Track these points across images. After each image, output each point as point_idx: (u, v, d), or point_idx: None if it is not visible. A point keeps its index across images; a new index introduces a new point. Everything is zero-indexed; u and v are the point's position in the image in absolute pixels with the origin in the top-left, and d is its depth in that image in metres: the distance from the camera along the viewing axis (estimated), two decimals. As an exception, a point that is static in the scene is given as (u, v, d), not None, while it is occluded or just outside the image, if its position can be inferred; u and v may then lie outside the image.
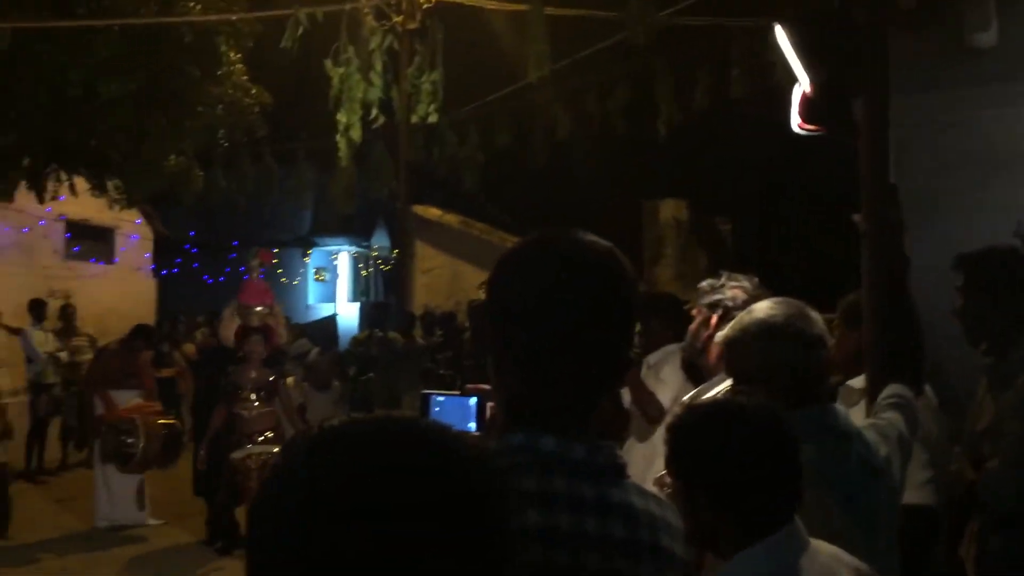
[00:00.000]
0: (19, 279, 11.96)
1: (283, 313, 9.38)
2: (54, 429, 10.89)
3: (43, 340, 10.58)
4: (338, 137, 6.67)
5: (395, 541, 0.78)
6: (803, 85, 3.28)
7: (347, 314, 20.16)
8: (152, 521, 8.12)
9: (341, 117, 6.28)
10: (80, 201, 10.41)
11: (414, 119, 6.44)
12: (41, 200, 9.01)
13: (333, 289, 21.96)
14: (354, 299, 22.05)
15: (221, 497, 6.65)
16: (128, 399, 7.78)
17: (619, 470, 1.35)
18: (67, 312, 11.33)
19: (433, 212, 15.56)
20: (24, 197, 9.48)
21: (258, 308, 6.96)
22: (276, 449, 6.31)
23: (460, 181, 8.59)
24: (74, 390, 11.09)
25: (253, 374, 6.59)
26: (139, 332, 8.71)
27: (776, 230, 15.85)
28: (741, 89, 9.73)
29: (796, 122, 3.42)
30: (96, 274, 13.81)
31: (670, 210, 12.81)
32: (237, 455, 6.39)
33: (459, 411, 1.76)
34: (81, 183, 9.31)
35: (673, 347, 4.35)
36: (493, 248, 15.02)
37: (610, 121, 8.96)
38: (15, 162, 8.48)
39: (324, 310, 19.92)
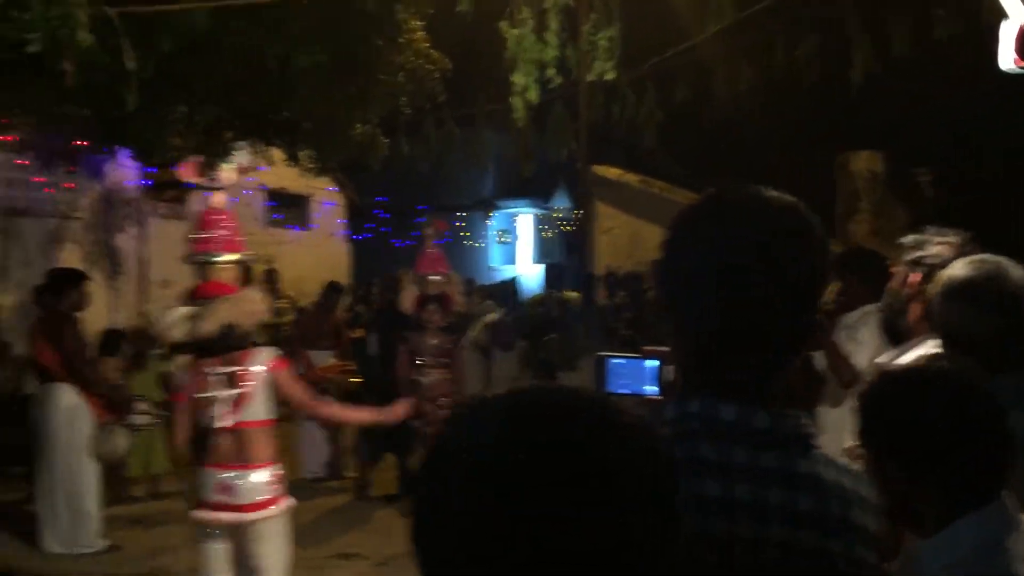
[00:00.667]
0: (226, 246, 12.82)
1: (466, 277, 9.58)
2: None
3: (249, 303, 11.30)
4: (514, 99, 6.69)
5: (552, 511, 0.76)
6: (1017, 18, 2.98)
7: (530, 275, 20.41)
8: (349, 474, 8.57)
9: (517, 79, 6.29)
10: (279, 171, 11.00)
11: (591, 77, 6.35)
12: (242, 172, 9.57)
13: (516, 251, 22.27)
14: (537, 261, 22.29)
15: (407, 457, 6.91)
16: (324, 359, 8.19)
17: (806, 440, 1.27)
18: (270, 276, 12.06)
19: (612, 172, 15.47)
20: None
21: (434, 277, 7.15)
22: None
23: (639, 139, 8.44)
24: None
25: (434, 341, 6.77)
26: (330, 289, 9.15)
27: (981, 182, 14.72)
28: (943, 31, 9.01)
29: (1008, 60, 3.12)
30: (294, 240, 14.62)
31: (864, 162, 12.13)
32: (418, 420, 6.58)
33: (637, 374, 1.71)
34: (277, 154, 9.83)
35: (872, 307, 4.12)
36: (674, 206, 14.65)
37: (798, 71, 8.50)
38: (218, 136, 9.06)
39: (507, 272, 20.24)
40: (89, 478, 6.58)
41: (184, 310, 4.22)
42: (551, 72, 6.23)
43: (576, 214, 20.67)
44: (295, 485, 7.98)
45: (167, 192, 12.50)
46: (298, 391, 4.37)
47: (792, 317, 1.27)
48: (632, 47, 8.35)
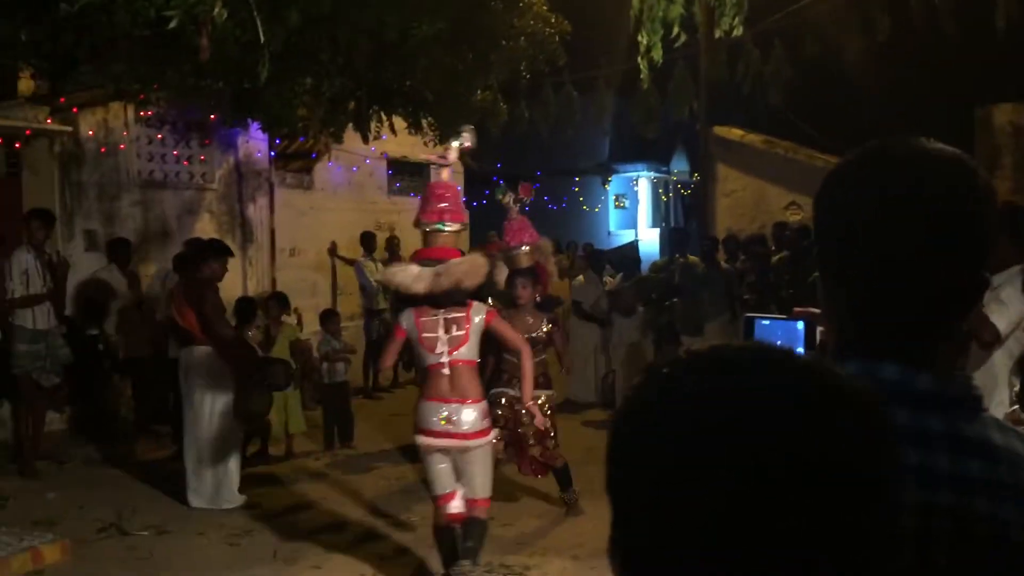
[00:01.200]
0: (352, 214, 13.15)
1: (568, 240, 9.33)
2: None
3: (373, 270, 11.58)
4: (639, 59, 6.55)
5: (773, 482, 0.73)
6: None
7: (648, 240, 20.21)
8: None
9: (642, 38, 6.15)
10: (399, 140, 11.18)
11: (718, 34, 6.15)
12: (365, 140, 9.77)
13: (633, 215, 22.06)
14: (654, 225, 22.04)
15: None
16: None
17: (975, 403, 1.22)
18: (393, 244, 12.30)
19: (735, 132, 15.07)
20: (351, 139, 10.35)
21: (521, 248, 6.59)
22: (549, 393, 6.45)
23: (764, 98, 8.14)
24: (400, 315, 12.09)
25: (529, 320, 6.39)
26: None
27: None
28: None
29: None
30: (415, 207, 14.84)
31: (1007, 115, 11.45)
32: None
33: (785, 335, 1.67)
34: (399, 122, 9.98)
35: (1019, 267, 3.93)
36: (800, 167, 14.31)
37: (936, 19, 8.00)
38: (343, 106, 9.26)
39: (624, 237, 20.08)
40: (230, 437, 6.91)
41: (416, 268, 4.98)
42: (676, 30, 6.04)
43: (695, 177, 20.32)
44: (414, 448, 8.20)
45: (293, 163, 12.90)
46: (512, 334, 5.31)
47: (958, 274, 1.22)
48: (760, 2, 8.03)
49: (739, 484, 0.72)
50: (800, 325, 1.64)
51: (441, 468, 4.96)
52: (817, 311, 1.57)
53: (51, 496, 7.02)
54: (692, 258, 10.03)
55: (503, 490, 6.49)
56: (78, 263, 9.49)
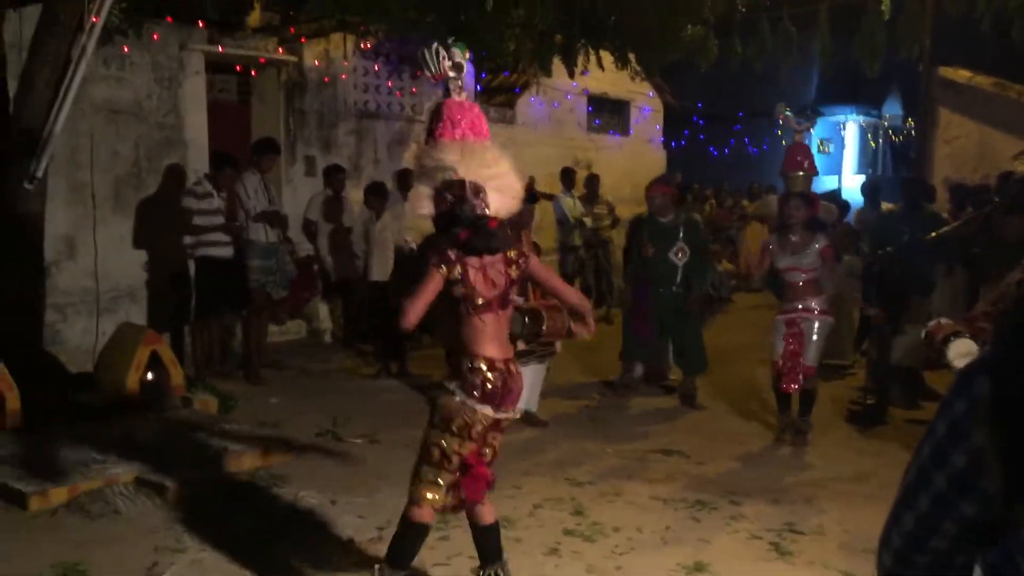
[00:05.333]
0: (551, 149, 13.25)
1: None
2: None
3: (571, 206, 11.66)
4: (882, -13, 6.17)
5: None
6: None
7: (851, 187, 19.25)
8: (672, 377, 8.63)
9: (885, -36, 5.80)
10: (599, 76, 11.09)
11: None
12: (571, 75, 9.75)
13: (838, 161, 21.04)
14: (859, 171, 20.95)
15: None
16: None
17: None
18: (592, 181, 12.31)
19: (962, 74, 14.02)
20: (554, 74, 10.37)
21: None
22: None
23: (1006, 35, 7.47)
24: (594, 252, 12.16)
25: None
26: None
27: None
28: None
29: None
30: (612, 145, 14.78)
31: None
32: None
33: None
34: (606, 57, 9.89)
35: None
36: (1034, 113, 13.19)
37: None
38: (551, 38, 9.26)
39: (828, 183, 19.22)
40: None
41: None
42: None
43: (910, 122, 19.08)
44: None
45: (497, 97, 13.08)
46: None
47: None
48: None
49: None
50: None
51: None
52: None
53: (274, 401, 7.60)
54: (932, 209, 9.41)
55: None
56: (298, 187, 10.08)
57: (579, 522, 5.03)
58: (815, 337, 6.61)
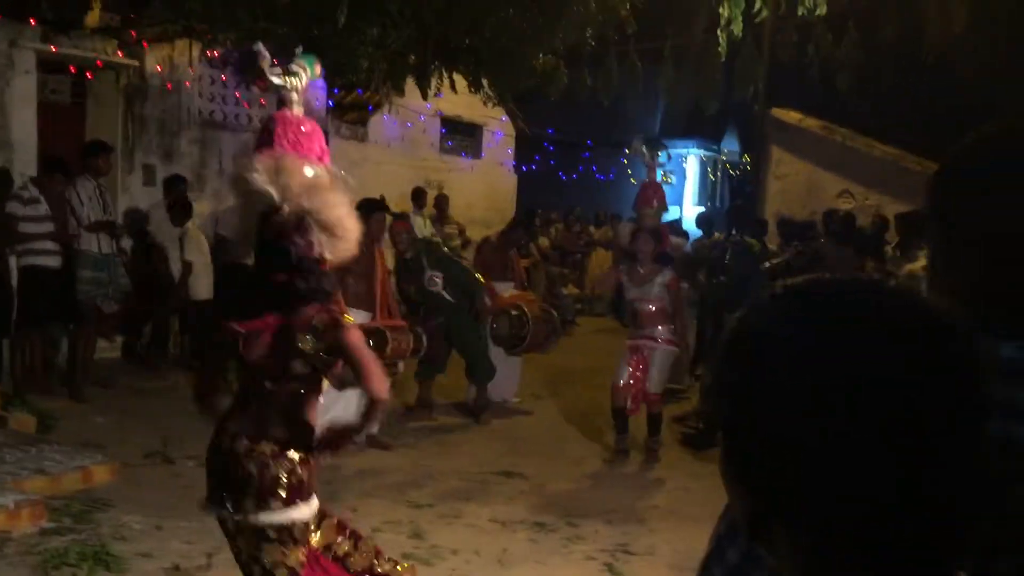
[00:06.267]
0: (403, 169, 13.22)
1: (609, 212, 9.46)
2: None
3: (422, 225, 11.64)
4: (719, 32, 6.45)
5: (899, 411, 0.77)
6: None
7: (690, 218, 20.09)
8: (514, 399, 8.79)
9: (723, 10, 6.07)
10: (453, 99, 11.17)
11: (800, 11, 6.06)
12: (424, 96, 9.78)
13: (680, 192, 21.89)
14: (699, 203, 21.87)
15: None
16: (504, 289, 8.32)
17: None
18: (441, 201, 12.35)
19: (792, 116, 14.90)
20: (407, 94, 10.38)
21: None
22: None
23: (832, 82, 8.01)
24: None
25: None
26: (518, 225, 9.22)
27: None
28: None
29: None
30: (465, 167, 14.88)
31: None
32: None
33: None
34: (459, 80, 9.98)
35: None
36: (857, 156, 14.15)
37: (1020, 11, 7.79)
38: (405, 59, 9.27)
39: (671, 213, 19.96)
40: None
41: None
42: (759, 5, 5.95)
43: (746, 158, 20.10)
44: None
45: (350, 114, 12.95)
46: None
47: None
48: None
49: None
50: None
51: None
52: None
53: (100, 420, 7.20)
54: (749, 239, 9.96)
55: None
56: (136, 196, 9.65)
57: (417, 545, 5.00)
58: (657, 365, 6.92)
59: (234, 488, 2.88)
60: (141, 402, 7.98)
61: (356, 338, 2.99)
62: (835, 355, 0.80)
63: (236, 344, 2.95)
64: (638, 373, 6.95)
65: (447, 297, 7.72)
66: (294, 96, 3.29)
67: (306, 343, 2.90)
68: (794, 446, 0.81)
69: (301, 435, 2.96)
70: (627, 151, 8.12)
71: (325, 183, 3.01)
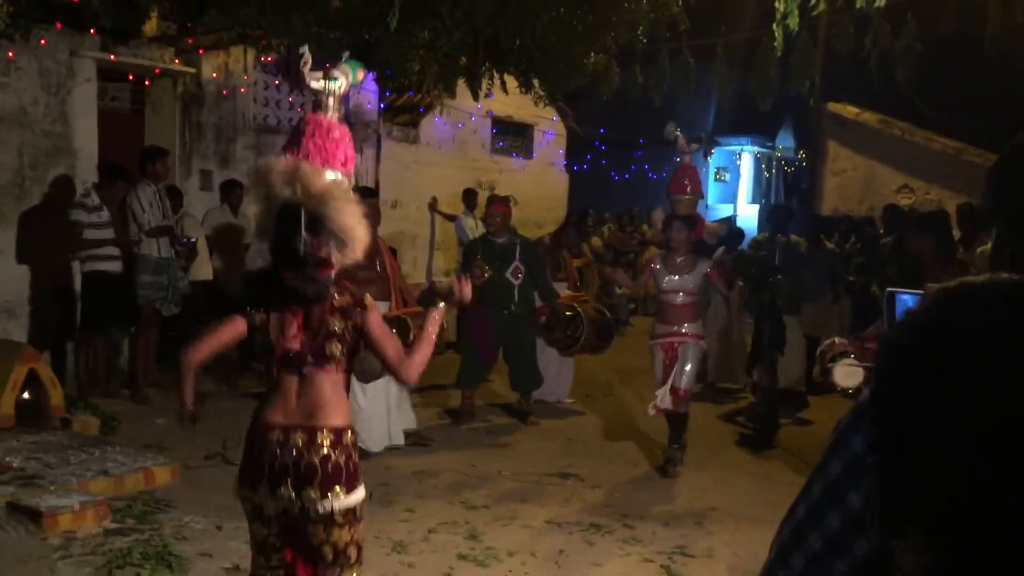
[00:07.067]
0: (454, 170, 13.25)
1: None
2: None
3: (473, 226, 11.66)
4: (775, 26, 6.34)
5: None
6: None
7: (746, 215, 19.85)
8: (568, 400, 8.78)
9: (779, 4, 5.94)
10: (504, 99, 11.16)
11: (859, 3, 5.92)
12: (476, 97, 9.78)
13: (734, 190, 21.66)
14: (754, 200, 21.62)
15: None
16: (557, 290, 8.27)
17: None
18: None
19: (850, 110, 14.62)
20: (458, 95, 10.39)
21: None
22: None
23: (891, 75, 7.84)
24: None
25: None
26: (569, 225, 9.19)
27: None
28: None
29: None
30: (516, 168, 14.86)
31: None
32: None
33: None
34: (510, 81, 9.96)
35: None
36: (916, 150, 13.82)
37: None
38: (456, 61, 9.28)
39: (723, 211, 19.76)
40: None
41: None
42: (816, -3, 5.87)
43: (802, 154, 19.79)
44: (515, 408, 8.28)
45: (401, 116, 13.02)
46: None
47: None
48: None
49: None
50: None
51: None
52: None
53: (161, 422, 7.33)
54: (795, 237, 9.80)
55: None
56: (193, 201, 9.81)
57: (473, 546, 4.99)
58: (689, 361, 6.59)
59: (298, 480, 2.94)
60: (203, 403, 8.09)
61: (379, 320, 3.11)
62: None
63: (265, 330, 3.04)
64: (672, 371, 6.59)
65: (514, 296, 7.68)
66: (330, 101, 3.31)
67: (336, 323, 3.02)
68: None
69: (345, 417, 3.06)
70: (668, 138, 7.89)
71: (340, 190, 3.05)
